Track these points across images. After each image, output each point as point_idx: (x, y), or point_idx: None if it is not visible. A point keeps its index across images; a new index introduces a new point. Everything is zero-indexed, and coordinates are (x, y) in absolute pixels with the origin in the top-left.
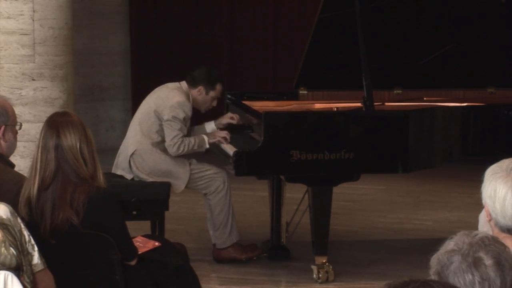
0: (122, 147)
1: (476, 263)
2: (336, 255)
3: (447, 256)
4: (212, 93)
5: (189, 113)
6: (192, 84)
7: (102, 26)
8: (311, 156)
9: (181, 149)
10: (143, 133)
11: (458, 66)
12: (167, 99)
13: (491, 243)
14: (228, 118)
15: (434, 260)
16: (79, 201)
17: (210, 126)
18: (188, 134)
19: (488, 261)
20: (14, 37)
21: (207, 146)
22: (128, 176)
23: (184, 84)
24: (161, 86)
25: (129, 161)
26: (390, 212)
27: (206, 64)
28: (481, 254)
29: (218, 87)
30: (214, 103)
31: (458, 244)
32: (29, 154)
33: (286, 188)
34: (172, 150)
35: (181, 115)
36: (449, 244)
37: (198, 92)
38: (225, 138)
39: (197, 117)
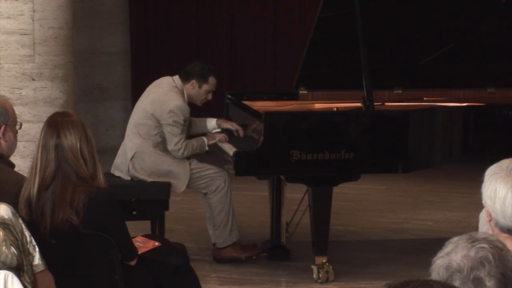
0: (120, 150)
1: (477, 286)
2: (336, 255)
3: (448, 274)
4: (205, 86)
5: (188, 115)
6: (185, 78)
7: (102, 26)
8: (311, 156)
9: (185, 153)
10: (142, 135)
11: (458, 66)
12: (164, 103)
13: (495, 261)
14: (232, 127)
15: (434, 270)
16: (79, 201)
17: (211, 122)
18: (188, 129)
19: (489, 282)
20: (14, 37)
21: (207, 148)
22: (126, 178)
23: (177, 79)
24: (154, 85)
25: (128, 164)
26: (390, 212)
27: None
28: (482, 275)
29: (211, 80)
30: (210, 96)
31: (460, 264)
32: (29, 154)
33: (286, 188)
34: (178, 154)
35: (181, 119)
36: (451, 254)
37: (191, 86)
38: (224, 138)
39: (196, 113)
